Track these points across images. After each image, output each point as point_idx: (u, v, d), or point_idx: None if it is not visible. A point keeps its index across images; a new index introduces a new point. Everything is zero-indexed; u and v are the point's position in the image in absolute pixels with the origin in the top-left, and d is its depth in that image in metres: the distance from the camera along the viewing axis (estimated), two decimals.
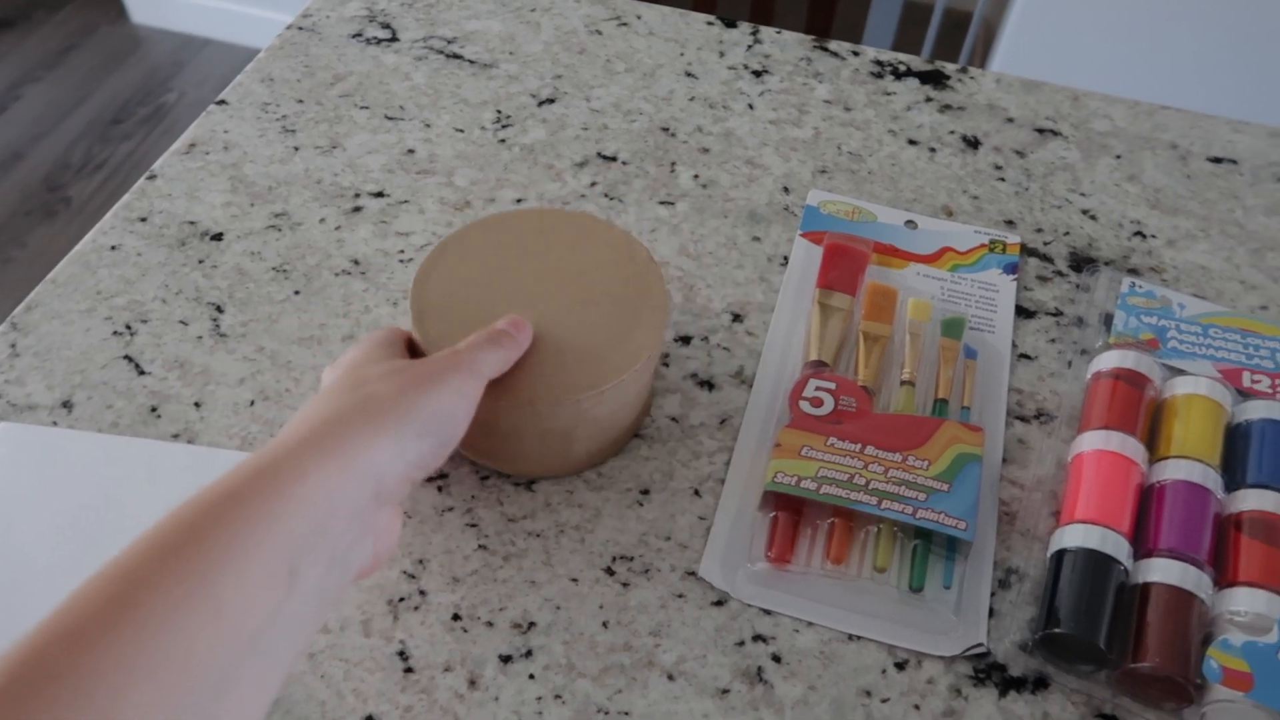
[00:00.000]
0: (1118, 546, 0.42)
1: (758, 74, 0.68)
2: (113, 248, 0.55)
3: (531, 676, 0.40)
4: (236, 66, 2.07)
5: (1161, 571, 0.41)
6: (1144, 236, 0.58)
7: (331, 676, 0.40)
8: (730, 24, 0.71)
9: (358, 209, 0.58)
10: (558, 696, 0.40)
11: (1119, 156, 0.63)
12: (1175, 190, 0.61)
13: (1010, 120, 0.65)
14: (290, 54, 0.68)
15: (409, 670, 0.40)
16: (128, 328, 0.52)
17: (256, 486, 0.31)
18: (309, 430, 0.34)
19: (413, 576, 0.43)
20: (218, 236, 0.56)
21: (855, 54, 0.69)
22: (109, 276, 0.54)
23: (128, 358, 0.50)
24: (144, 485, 0.45)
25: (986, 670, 0.41)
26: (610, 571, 0.44)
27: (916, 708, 0.40)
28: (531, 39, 0.70)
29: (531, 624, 0.42)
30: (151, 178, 0.59)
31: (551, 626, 0.42)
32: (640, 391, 0.46)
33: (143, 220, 0.57)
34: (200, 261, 0.55)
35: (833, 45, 0.70)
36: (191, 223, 0.57)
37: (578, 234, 0.48)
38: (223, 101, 0.64)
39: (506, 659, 0.41)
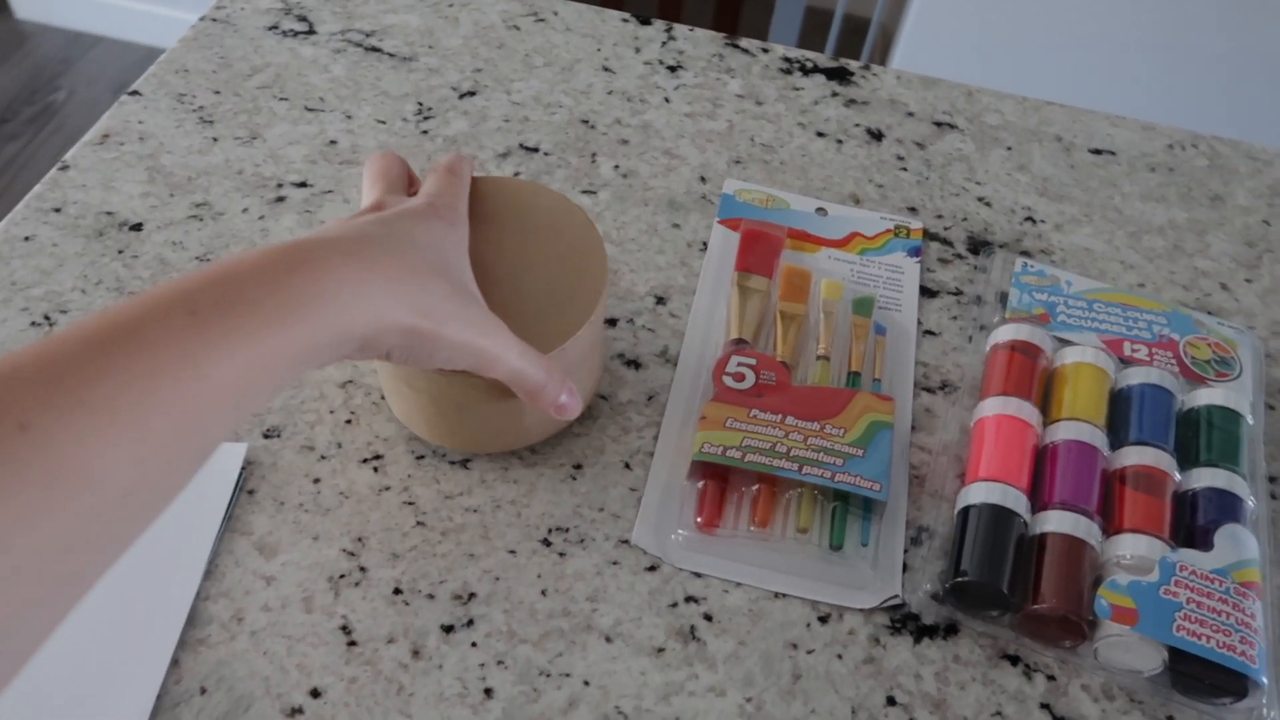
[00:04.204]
0: (1017, 501, 0.45)
1: (672, 69, 0.70)
2: (26, 238, 0.54)
3: (474, 644, 0.42)
4: (130, 65, 2.00)
5: (1056, 522, 0.45)
6: (1034, 221, 0.63)
7: (274, 653, 0.41)
8: (645, 21, 0.74)
9: (281, 199, 0.58)
10: (500, 662, 0.41)
11: (1010, 148, 0.67)
12: (1061, 179, 0.66)
13: (911, 114, 0.69)
14: (205, 45, 0.67)
15: (352, 644, 0.41)
16: (46, 318, 0.51)
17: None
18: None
19: (352, 554, 0.44)
20: (137, 227, 0.56)
21: (765, 50, 0.72)
22: (23, 267, 0.53)
23: None
24: None
25: (902, 620, 0.44)
26: (547, 543, 0.45)
27: (839, 657, 0.43)
28: (450, 33, 0.70)
29: (472, 595, 0.43)
30: (64, 168, 0.58)
31: (491, 596, 0.43)
32: (594, 365, 0.47)
33: (56, 210, 0.56)
34: (120, 252, 0.54)
35: (743, 43, 0.73)
36: (109, 213, 0.56)
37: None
38: (136, 92, 0.63)
39: (449, 629, 0.42)
